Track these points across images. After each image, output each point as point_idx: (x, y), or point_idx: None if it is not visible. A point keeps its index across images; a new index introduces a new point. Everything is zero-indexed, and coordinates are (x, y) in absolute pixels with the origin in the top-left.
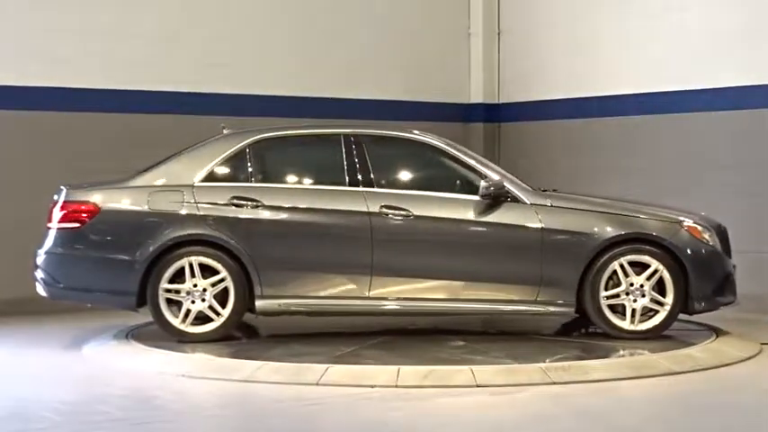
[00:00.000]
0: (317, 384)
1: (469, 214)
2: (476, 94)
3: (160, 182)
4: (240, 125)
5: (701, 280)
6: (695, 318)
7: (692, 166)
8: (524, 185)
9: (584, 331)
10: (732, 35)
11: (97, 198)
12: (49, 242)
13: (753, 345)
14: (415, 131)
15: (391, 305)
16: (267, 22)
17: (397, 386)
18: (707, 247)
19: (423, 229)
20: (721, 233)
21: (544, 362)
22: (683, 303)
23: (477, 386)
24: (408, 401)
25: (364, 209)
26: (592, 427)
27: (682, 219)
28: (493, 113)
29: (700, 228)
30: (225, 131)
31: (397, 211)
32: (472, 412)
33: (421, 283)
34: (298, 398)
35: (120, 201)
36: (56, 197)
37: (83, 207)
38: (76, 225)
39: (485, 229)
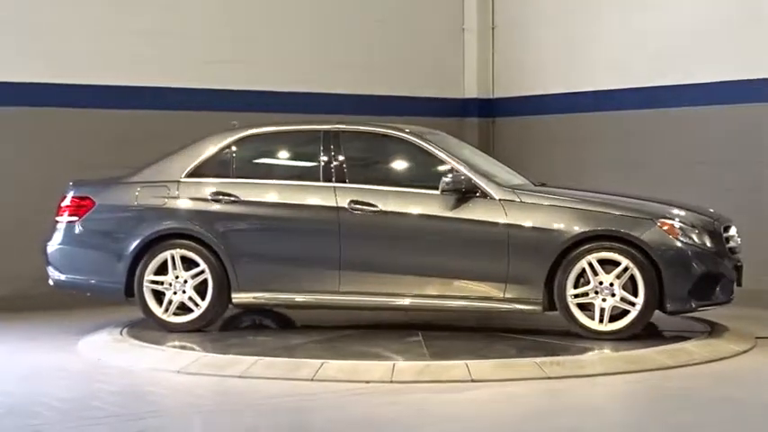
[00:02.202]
0: (312, 380)
1: (435, 209)
2: (470, 89)
3: (151, 177)
4: (250, 121)
5: (675, 279)
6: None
7: (689, 160)
8: (495, 180)
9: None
10: (728, 29)
11: (93, 193)
12: (54, 234)
13: (747, 339)
14: (406, 128)
15: (360, 300)
16: (267, 19)
17: (392, 381)
18: (684, 245)
19: (389, 225)
20: (712, 231)
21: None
22: (659, 303)
23: (473, 381)
24: (404, 397)
25: (333, 204)
26: (590, 422)
27: (656, 215)
28: (487, 108)
29: (679, 225)
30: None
31: (364, 207)
32: (469, 407)
33: (387, 278)
34: (292, 393)
35: (114, 195)
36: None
37: (81, 201)
38: (75, 218)
39: (450, 224)
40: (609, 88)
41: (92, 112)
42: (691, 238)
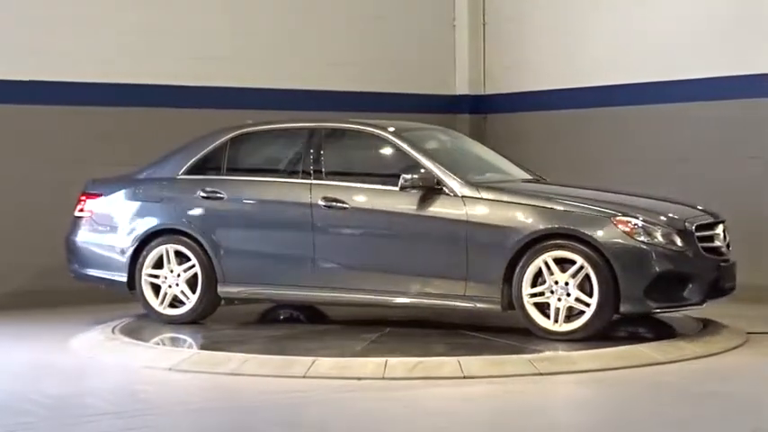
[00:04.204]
0: (304, 377)
1: (400, 206)
2: (462, 86)
3: (153, 175)
4: (245, 119)
5: (630, 279)
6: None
7: (683, 156)
8: (461, 177)
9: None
10: (723, 24)
11: (103, 189)
12: (72, 229)
13: (739, 335)
14: (389, 125)
15: (330, 296)
16: (259, 16)
17: (384, 378)
18: (642, 243)
19: (357, 222)
20: (682, 230)
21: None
22: (617, 304)
23: (464, 377)
24: (396, 393)
25: (308, 201)
26: (583, 417)
27: (613, 212)
28: (479, 105)
29: (641, 223)
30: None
31: (334, 203)
32: (462, 403)
33: (355, 274)
34: (284, 390)
35: (120, 192)
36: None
37: (92, 197)
38: (89, 214)
39: (413, 221)
40: (602, 84)
41: (86, 110)
42: (652, 236)
